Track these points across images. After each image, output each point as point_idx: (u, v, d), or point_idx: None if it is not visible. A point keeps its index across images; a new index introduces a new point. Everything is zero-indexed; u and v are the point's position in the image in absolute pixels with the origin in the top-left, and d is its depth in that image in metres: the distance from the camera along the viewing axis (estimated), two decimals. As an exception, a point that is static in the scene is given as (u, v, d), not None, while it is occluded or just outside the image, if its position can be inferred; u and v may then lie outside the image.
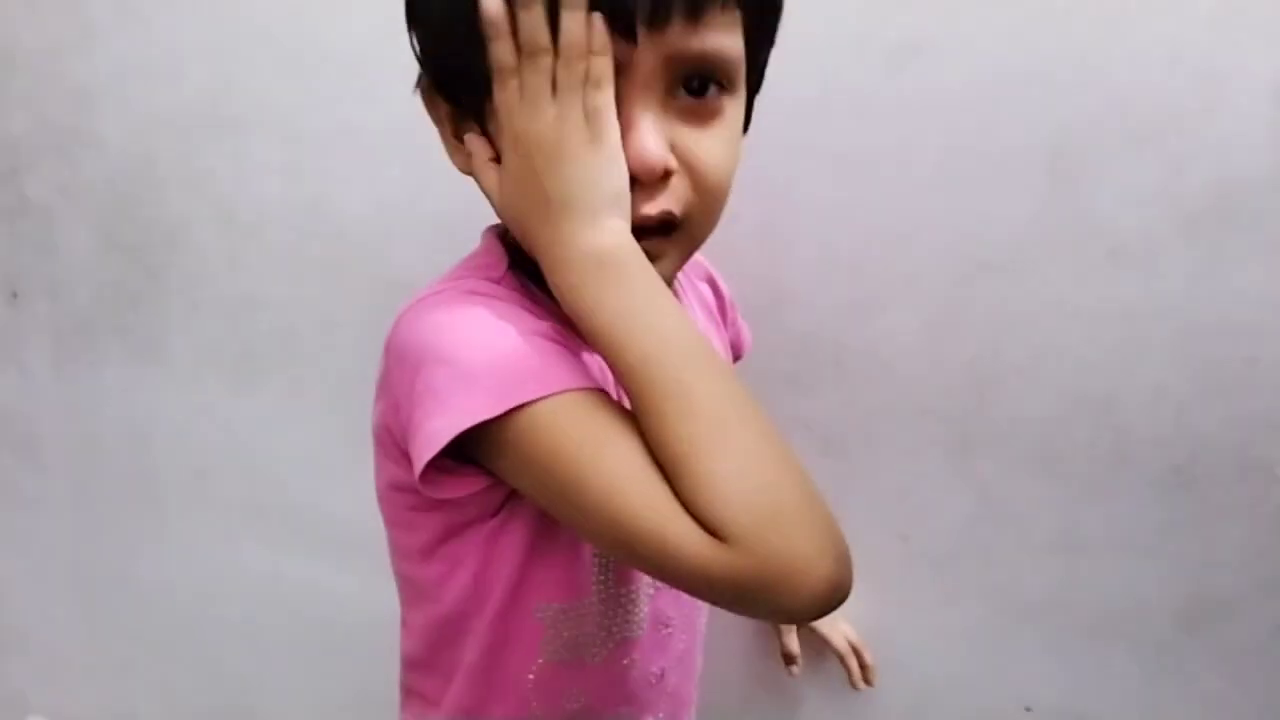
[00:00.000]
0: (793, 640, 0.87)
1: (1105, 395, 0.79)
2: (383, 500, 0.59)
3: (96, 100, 1.07)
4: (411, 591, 0.63)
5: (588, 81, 0.47)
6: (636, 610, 0.61)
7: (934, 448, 0.84)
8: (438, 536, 0.57)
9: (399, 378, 0.51)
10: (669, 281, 0.55)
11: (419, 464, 0.48)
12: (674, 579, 0.46)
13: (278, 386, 1.08)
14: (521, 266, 0.57)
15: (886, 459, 0.86)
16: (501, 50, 0.48)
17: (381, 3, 0.58)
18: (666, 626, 0.64)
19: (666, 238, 0.53)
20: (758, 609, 0.46)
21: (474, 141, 0.54)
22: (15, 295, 1.20)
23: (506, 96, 0.49)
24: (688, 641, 0.68)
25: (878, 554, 0.88)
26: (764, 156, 0.82)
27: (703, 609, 0.69)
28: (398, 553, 0.61)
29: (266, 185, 1.02)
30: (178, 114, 1.04)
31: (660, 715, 0.67)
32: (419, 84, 0.56)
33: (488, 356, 0.48)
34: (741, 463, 0.44)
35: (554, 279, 0.50)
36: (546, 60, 0.47)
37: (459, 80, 0.53)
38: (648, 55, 0.49)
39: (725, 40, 0.51)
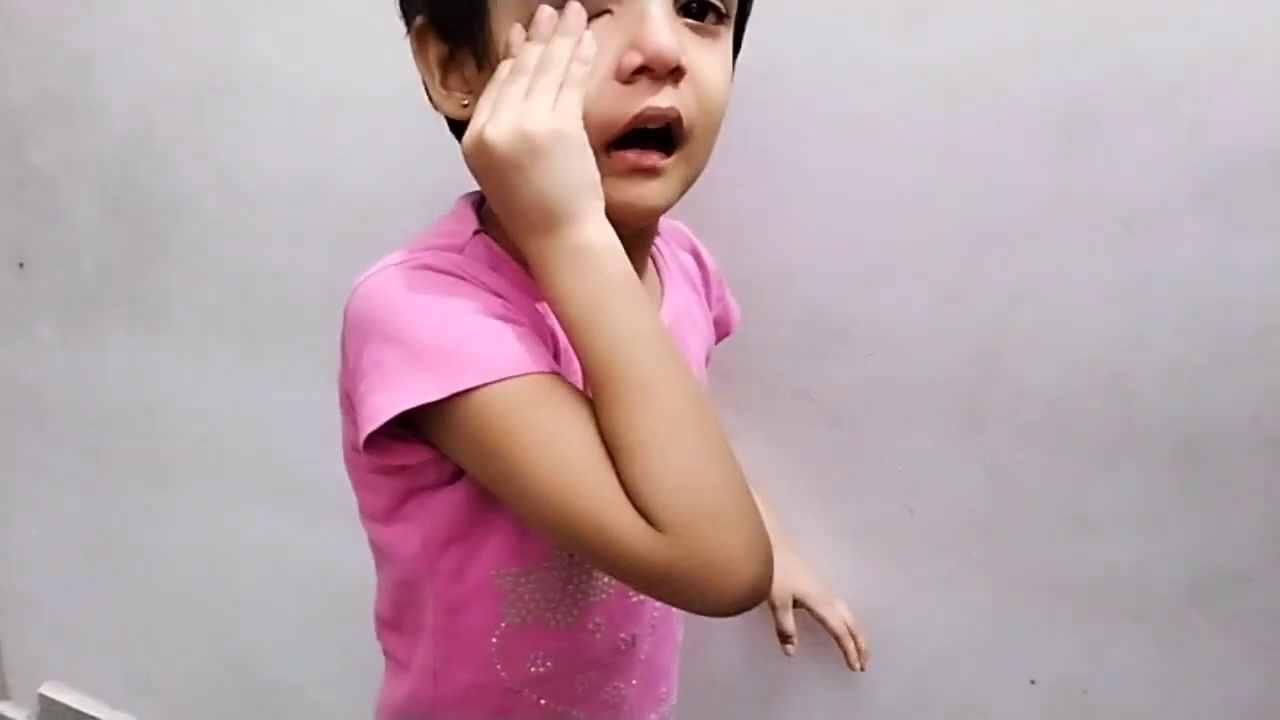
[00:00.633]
0: (789, 619, 0.87)
1: (1116, 367, 0.78)
2: (347, 461, 0.60)
3: (98, 68, 1.07)
4: (376, 552, 0.64)
5: (563, 85, 0.49)
6: (600, 575, 0.62)
7: (941, 421, 0.84)
8: (397, 499, 0.58)
9: (351, 346, 0.52)
10: (665, 209, 0.56)
11: (361, 435, 0.50)
12: (607, 562, 0.48)
13: (280, 354, 1.08)
14: (495, 225, 0.57)
15: (893, 432, 0.86)
16: (532, 55, 0.50)
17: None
18: (638, 594, 0.64)
19: (669, 154, 0.54)
20: (683, 599, 0.48)
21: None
22: (22, 265, 1.20)
23: (512, 92, 0.50)
24: (663, 610, 0.68)
25: (883, 527, 0.88)
26: (770, 125, 0.81)
27: None
28: (364, 514, 0.62)
29: (267, 154, 1.02)
30: (178, 82, 1.03)
31: (633, 682, 0.67)
32: (410, 29, 0.57)
33: (435, 339, 0.49)
34: (691, 461, 0.47)
35: (530, 261, 0.51)
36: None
37: (458, 14, 0.54)
38: None
39: None
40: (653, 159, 0.53)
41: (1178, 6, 0.69)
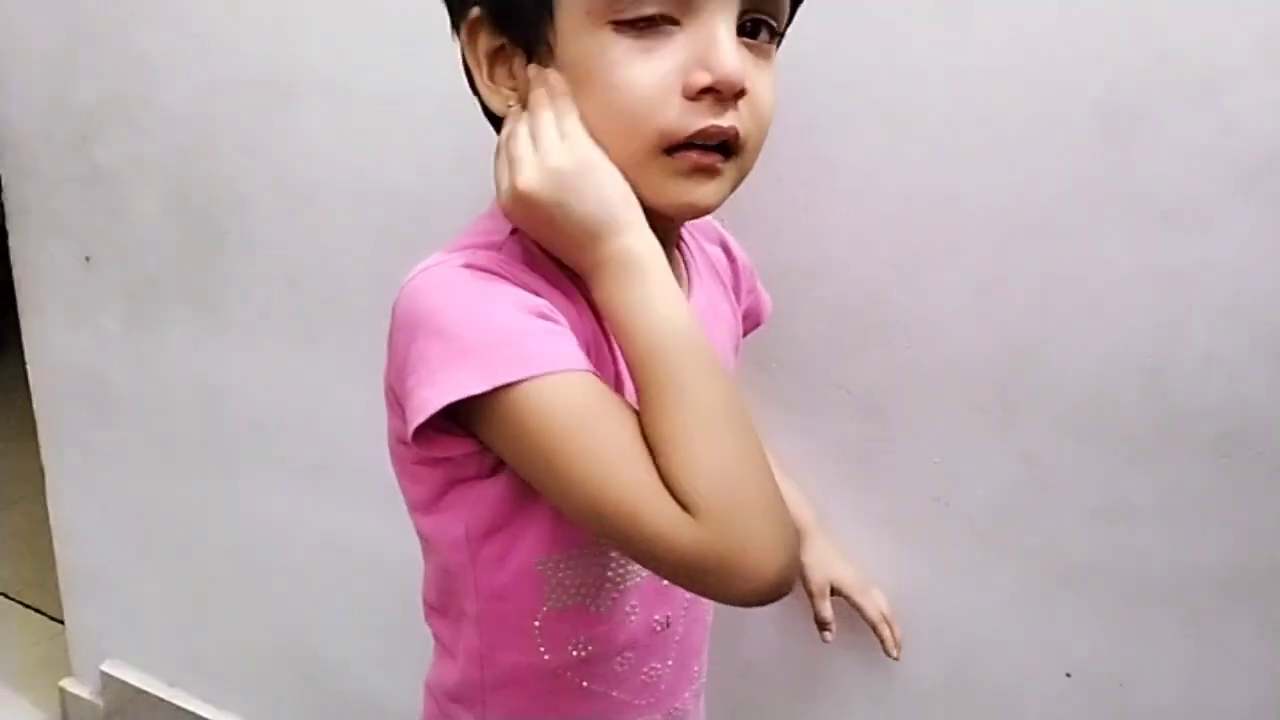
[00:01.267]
0: (826, 606, 0.88)
1: (1154, 359, 0.77)
2: (392, 453, 0.62)
3: (160, 72, 1.10)
4: (422, 541, 0.66)
5: (559, 117, 0.54)
6: None
7: (978, 412, 0.84)
8: (438, 490, 0.60)
9: (399, 342, 0.54)
10: (716, 208, 0.58)
11: (410, 427, 0.52)
12: (641, 549, 0.50)
13: (332, 345, 1.11)
14: None
15: (928, 423, 0.86)
16: (518, 117, 0.56)
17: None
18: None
19: (727, 159, 0.56)
20: (713, 587, 0.50)
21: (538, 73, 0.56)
22: (88, 259, 1.25)
23: (520, 145, 0.54)
24: None
25: (918, 518, 0.89)
26: (807, 116, 0.82)
27: None
28: (408, 504, 0.64)
29: (320, 153, 1.05)
30: (236, 85, 1.07)
31: (669, 663, 0.69)
32: (461, 20, 0.58)
33: (478, 335, 0.51)
34: (726, 453, 0.50)
35: (580, 274, 0.56)
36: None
37: (520, 8, 0.55)
38: None
39: None
40: (714, 158, 0.55)
41: (1217, -3, 0.69)
